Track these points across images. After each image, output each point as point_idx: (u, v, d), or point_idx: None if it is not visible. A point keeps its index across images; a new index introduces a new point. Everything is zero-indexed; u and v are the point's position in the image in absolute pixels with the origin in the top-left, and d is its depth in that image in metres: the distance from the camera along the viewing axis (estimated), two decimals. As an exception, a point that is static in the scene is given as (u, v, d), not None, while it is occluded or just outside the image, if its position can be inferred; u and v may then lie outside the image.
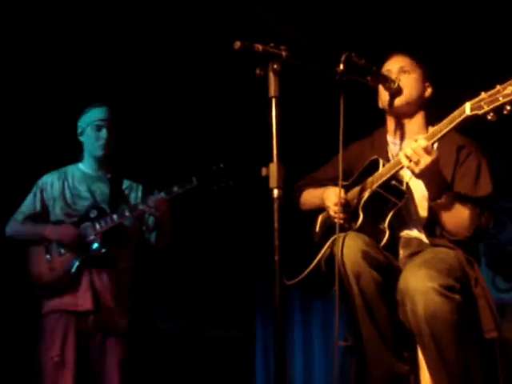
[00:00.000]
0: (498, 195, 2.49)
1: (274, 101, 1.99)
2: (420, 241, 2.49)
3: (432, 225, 2.42)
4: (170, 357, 5.09)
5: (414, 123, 2.63)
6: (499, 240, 5.07)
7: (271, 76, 1.99)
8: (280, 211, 1.91)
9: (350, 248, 2.25)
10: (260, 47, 2.00)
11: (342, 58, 2.35)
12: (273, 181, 1.91)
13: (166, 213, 3.26)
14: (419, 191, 2.46)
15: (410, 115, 2.64)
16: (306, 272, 2.55)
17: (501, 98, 2.04)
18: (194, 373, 5.14)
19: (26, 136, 4.46)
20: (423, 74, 2.67)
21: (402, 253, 2.50)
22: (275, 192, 1.90)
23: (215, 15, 3.93)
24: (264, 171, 1.94)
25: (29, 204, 3.40)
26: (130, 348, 3.30)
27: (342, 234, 2.32)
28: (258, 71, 2.01)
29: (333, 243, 2.34)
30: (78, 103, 3.61)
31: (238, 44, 1.99)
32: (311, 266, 2.52)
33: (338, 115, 2.29)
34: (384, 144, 2.70)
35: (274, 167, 1.92)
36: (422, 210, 2.47)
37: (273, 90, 1.99)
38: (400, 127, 2.65)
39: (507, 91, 2.03)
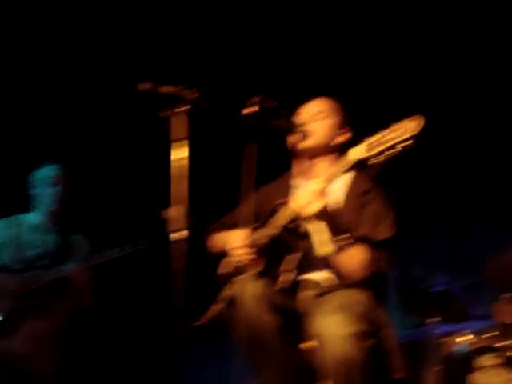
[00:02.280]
0: (399, 239, 2.54)
1: (180, 143, 2.00)
2: (320, 283, 2.50)
3: (334, 267, 2.44)
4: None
5: (321, 167, 2.66)
6: (410, 278, 5.20)
7: (175, 118, 2.00)
8: (182, 253, 1.91)
9: (245, 292, 2.24)
10: (165, 89, 2.01)
11: (254, 101, 2.38)
12: (174, 223, 1.90)
13: (84, 285, 3.48)
14: (321, 233, 2.46)
15: (317, 158, 2.68)
16: (207, 314, 2.53)
17: (382, 144, 2.11)
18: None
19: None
20: (339, 121, 2.72)
21: (303, 295, 2.50)
22: (175, 235, 1.90)
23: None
24: (165, 214, 1.93)
25: None
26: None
27: (239, 277, 2.32)
28: (163, 113, 2.02)
29: (231, 286, 2.34)
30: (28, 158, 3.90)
31: (143, 86, 1.99)
32: (212, 309, 2.51)
33: (250, 158, 2.32)
34: (289, 187, 2.73)
35: (175, 210, 1.91)
36: (323, 252, 2.47)
37: (177, 132, 1.99)
38: (307, 169, 2.70)
39: (388, 137, 2.10)
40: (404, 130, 2.08)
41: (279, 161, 2.79)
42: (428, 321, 4.57)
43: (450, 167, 5.59)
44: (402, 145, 2.08)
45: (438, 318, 4.50)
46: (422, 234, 5.85)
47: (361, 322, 2.18)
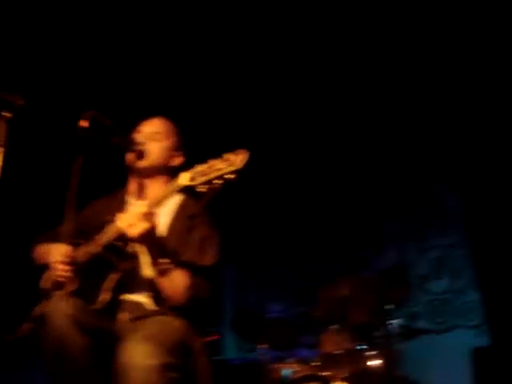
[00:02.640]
0: (221, 266, 2.56)
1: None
2: (140, 305, 2.46)
3: (157, 290, 2.41)
4: None
5: (154, 187, 2.66)
6: (244, 303, 5.32)
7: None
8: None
9: (56, 311, 2.15)
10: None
11: (86, 115, 2.33)
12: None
13: None
14: (146, 255, 2.41)
15: (151, 179, 2.67)
16: (19, 330, 2.42)
17: (208, 173, 2.11)
18: None
19: None
20: (175, 144, 2.73)
21: (121, 316, 2.44)
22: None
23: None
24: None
25: None
26: None
27: (54, 294, 2.23)
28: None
29: (45, 303, 2.24)
30: None
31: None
32: (24, 325, 2.41)
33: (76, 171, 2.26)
34: (122, 204, 2.69)
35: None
36: (148, 273, 2.44)
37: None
38: (141, 188, 2.68)
39: (215, 167, 2.10)
40: (229, 163, 2.08)
41: (114, 176, 2.75)
42: (259, 346, 4.67)
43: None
44: (226, 177, 2.09)
45: (268, 344, 4.61)
46: (260, 262, 6.00)
47: (169, 353, 2.14)
